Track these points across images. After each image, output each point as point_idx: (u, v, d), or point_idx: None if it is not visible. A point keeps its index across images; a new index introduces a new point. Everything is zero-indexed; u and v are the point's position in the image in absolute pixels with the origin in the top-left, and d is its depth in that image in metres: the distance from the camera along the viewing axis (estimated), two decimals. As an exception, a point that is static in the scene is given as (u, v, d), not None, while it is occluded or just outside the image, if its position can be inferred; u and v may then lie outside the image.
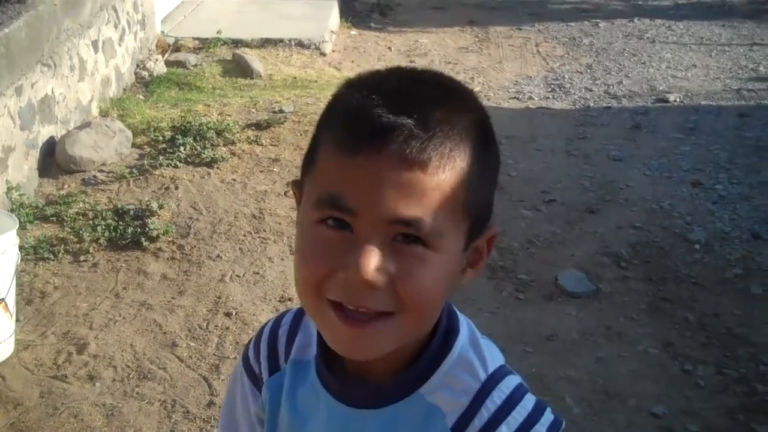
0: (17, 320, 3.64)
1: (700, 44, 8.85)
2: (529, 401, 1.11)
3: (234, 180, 5.08)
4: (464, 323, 1.16)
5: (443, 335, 1.13)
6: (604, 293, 4.24)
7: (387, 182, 0.96)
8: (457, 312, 1.17)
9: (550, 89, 7.43)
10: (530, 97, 7.21)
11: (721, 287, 4.33)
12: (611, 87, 7.48)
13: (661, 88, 7.44)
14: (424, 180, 0.97)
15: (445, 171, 0.98)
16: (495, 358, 1.15)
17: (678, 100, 7.15)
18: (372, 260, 0.97)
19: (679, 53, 8.51)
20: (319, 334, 1.16)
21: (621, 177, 5.60)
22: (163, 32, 7.59)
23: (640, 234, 4.82)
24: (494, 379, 1.11)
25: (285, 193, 4.91)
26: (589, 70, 7.96)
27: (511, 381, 1.12)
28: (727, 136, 6.35)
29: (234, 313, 3.85)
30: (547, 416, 1.10)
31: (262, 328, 1.29)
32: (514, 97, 7.21)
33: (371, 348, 1.03)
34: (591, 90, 7.41)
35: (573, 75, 7.82)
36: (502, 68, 8.01)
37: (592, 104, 7.07)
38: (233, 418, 1.31)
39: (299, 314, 1.26)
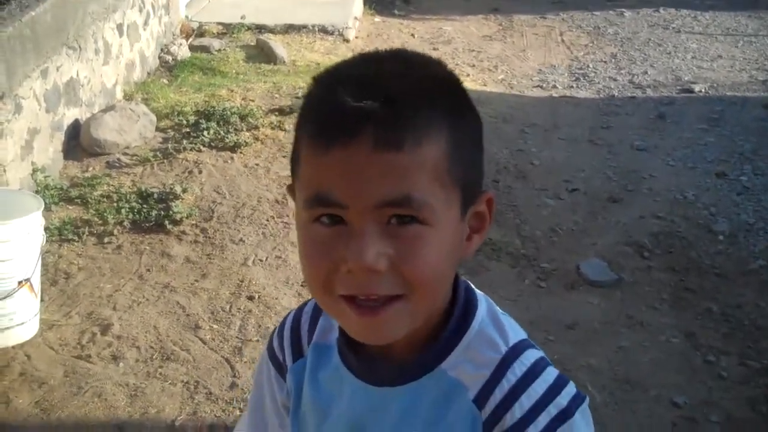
0: (42, 300, 3.67)
1: (726, 35, 8.78)
2: (550, 374, 1.10)
3: (257, 165, 5.09)
4: (482, 299, 1.16)
5: (462, 310, 1.13)
6: (627, 283, 4.22)
7: (366, 169, 0.97)
8: (475, 289, 1.17)
9: (574, 78, 7.39)
10: (554, 86, 7.18)
11: (745, 279, 4.30)
12: (636, 77, 7.44)
13: (686, 79, 7.39)
14: (402, 158, 0.97)
15: (422, 144, 0.98)
16: (516, 331, 1.15)
17: (703, 90, 7.10)
18: (369, 247, 0.97)
19: (705, 44, 8.45)
20: None
21: (644, 167, 5.57)
22: (187, 17, 7.60)
23: (663, 224, 4.80)
24: (515, 351, 1.11)
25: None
26: (613, 60, 7.91)
27: (533, 354, 1.12)
28: (753, 128, 6.31)
29: (257, 297, 3.87)
30: (569, 389, 1.10)
31: (286, 317, 1.31)
32: (538, 86, 7.19)
33: (388, 333, 1.04)
34: (615, 79, 7.38)
35: (597, 64, 7.78)
36: (525, 57, 7.98)
37: (616, 94, 7.04)
38: (261, 407, 1.32)
39: None
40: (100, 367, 3.40)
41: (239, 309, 3.78)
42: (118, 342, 3.54)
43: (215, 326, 3.66)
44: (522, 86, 7.15)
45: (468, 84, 6.93)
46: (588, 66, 7.71)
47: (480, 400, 1.09)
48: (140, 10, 6.41)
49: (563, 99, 6.89)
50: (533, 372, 1.09)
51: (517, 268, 4.31)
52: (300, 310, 1.29)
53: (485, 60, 7.77)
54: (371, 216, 0.98)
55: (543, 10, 9.49)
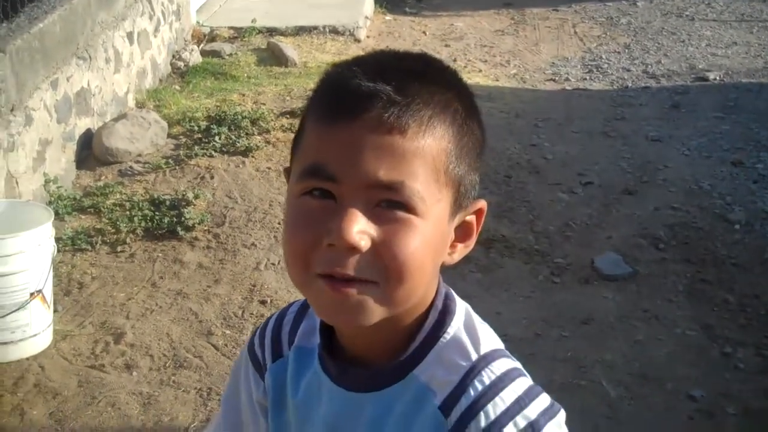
0: (55, 311, 3.69)
1: (741, 21, 8.70)
2: (520, 385, 1.08)
3: (269, 168, 5.09)
4: (461, 307, 1.15)
5: (437, 317, 1.12)
6: (642, 276, 4.19)
7: (366, 147, 0.98)
8: (456, 296, 1.16)
9: (587, 70, 7.35)
10: (567, 79, 7.14)
11: (762, 268, 4.26)
12: (649, 66, 7.39)
13: (700, 67, 7.33)
14: (403, 144, 0.99)
15: (425, 137, 1.00)
16: (490, 341, 1.13)
17: (718, 78, 7.04)
18: (353, 223, 0.98)
19: (719, 30, 8.38)
20: (321, 323, 1.19)
21: (659, 158, 5.53)
22: (198, 22, 7.62)
23: (678, 215, 4.76)
24: (485, 360, 1.09)
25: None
26: (626, 50, 7.86)
27: (504, 363, 1.10)
28: (769, 114, 6.25)
29: (269, 301, 3.87)
30: (541, 401, 1.07)
31: (270, 317, 1.31)
32: (551, 79, 7.15)
33: (357, 314, 1.03)
34: (629, 70, 7.33)
35: (610, 55, 7.73)
36: (538, 50, 7.94)
37: (630, 84, 6.99)
38: (235, 404, 1.32)
39: (306, 304, 1.27)
40: (114, 376, 3.40)
41: (252, 314, 3.78)
42: (132, 350, 3.55)
43: (228, 332, 3.67)
44: (534, 80, 7.12)
45: (480, 79, 6.93)
46: (601, 57, 7.66)
47: (446, 407, 1.07)
48: (150, 18, 6.42)
49: (576, 91, 6.85)
50: (501, 381, 1.08)
51: (531, 264, 4.29)
52: (284, 311, 1.29)
53: (497, 55, 7.73)
54: (362, 195, 0.99)
55: (555, 3, 9.43)
